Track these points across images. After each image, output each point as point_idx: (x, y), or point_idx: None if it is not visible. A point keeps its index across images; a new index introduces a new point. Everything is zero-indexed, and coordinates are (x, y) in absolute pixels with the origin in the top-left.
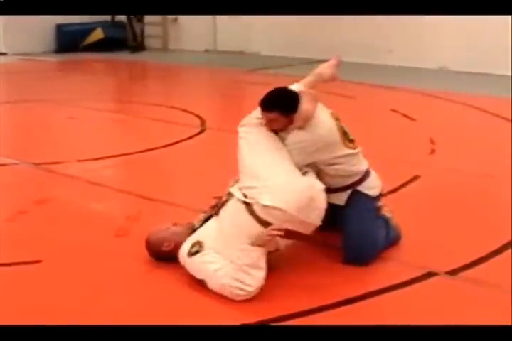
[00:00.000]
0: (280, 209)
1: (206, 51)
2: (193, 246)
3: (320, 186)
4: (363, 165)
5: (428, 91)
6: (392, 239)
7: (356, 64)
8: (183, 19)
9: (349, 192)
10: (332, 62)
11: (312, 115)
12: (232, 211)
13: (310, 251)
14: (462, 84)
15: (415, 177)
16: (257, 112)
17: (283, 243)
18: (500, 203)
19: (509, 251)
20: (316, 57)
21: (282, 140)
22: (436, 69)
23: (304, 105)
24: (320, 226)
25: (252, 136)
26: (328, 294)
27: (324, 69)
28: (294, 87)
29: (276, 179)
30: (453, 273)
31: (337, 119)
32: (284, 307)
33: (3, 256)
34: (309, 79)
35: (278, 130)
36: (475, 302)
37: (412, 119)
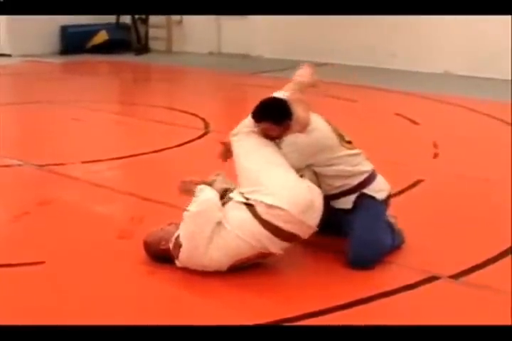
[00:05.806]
0: (283, 210)
1: (210, 54)
2: None
3: (318, 189)
4: (365, 166)
5: (432, 95)
6: (397, 244)
7: (360, 67)
8: (188, 21)
9: (356, 195)
10: (306, 70)
11: (309, 120)
12: (234, 211)
13: (313, 254)
14: (466, 88)
15: (418, 181)
16: (248, 121)
17: (279, 246)
18: (502, 208)
19: (511, 255)
20: (319, 60)
21: (277, 144)
22: (440, 73)
23: (298, 112)
24: (326, 232)
25: (247, 143)
26: (330, 297)
27: (301, 78)
28: (280, 95)
29: (277, 182)
30: (456, 277)
31: (328, 122)
32: (285, 309)
33: (6, 257)
34: (292, 86)
35: (273, 138)
36: (477, 306)
37: (416, 123)
